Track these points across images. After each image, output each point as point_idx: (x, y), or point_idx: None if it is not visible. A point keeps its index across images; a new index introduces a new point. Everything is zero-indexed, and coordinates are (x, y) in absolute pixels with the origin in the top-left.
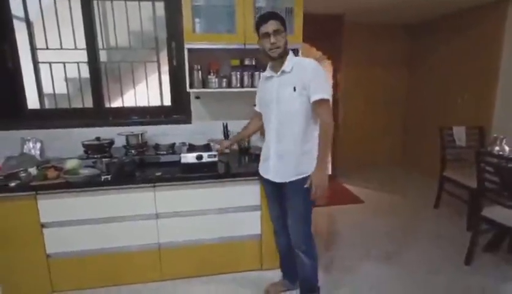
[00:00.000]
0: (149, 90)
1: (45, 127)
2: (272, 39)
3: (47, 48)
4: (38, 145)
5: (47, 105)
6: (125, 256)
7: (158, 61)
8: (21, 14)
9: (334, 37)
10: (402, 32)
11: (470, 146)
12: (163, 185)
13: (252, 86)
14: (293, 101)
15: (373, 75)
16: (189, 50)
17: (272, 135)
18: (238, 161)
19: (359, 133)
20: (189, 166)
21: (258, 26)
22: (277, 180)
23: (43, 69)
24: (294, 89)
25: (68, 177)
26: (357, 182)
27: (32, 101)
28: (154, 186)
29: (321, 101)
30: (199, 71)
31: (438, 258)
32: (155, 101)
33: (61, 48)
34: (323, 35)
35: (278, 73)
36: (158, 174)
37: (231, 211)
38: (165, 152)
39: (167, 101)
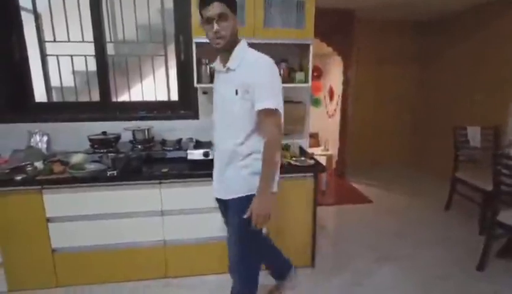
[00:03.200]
0: (156, 84)
1: (52, 120)
2: (216, 26)
3: (54, 41)
4: (45, 138)
5: (54, 98)
6: (130, 252)
7: (165, 55)
8: (29, 6)
9: (344, 33)
10: (414, 29)
11: (485, 147)
12: (169, 182)
13: None
14: (234, 105)
15: (383, 72)
16: (197, 44)
17: (215, 141)
18: None
19: (368, 131)
20: (196, 163)
21: (200, 8)
22: (216, 195)
23: (51, 62)
24: (236, 92)
25: (74, 172)
26: (366, 181)
27: (40, 95)
28: (160, 183)
29: (266, 112)
30: (208, 66)
31: (449, 262)
32: (162, 96)
33: (68, 41)
34: (334, 30)
35: (225, 68)
36: (165, 170)
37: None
38: (171, 148)
39: (174, 96)
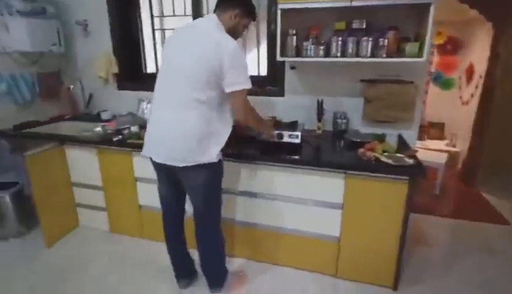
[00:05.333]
0: (247, 58)
1: None
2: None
3: (162, 16)
4: (149, 106)
5: None
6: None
7: (257, 27)
8: None
9: None
10: None
11: None
12: (235, 161)
13: (357, 55)
14: None
15: None
16: (285, 11)
17: None
18: (328, 146)
19: None
20: (268, 145)
21: (252, 17)
22: None
23: (157, 36)
24: None
25: None
26: (506, 195)
27: (151, 67)
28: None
29: None
30: (294, 37)
31: None
32: (253, 71)
33: (173, 15)
34: None
35: None
36: (233, 150)
37: (309, 204)
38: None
39: (264, 71)
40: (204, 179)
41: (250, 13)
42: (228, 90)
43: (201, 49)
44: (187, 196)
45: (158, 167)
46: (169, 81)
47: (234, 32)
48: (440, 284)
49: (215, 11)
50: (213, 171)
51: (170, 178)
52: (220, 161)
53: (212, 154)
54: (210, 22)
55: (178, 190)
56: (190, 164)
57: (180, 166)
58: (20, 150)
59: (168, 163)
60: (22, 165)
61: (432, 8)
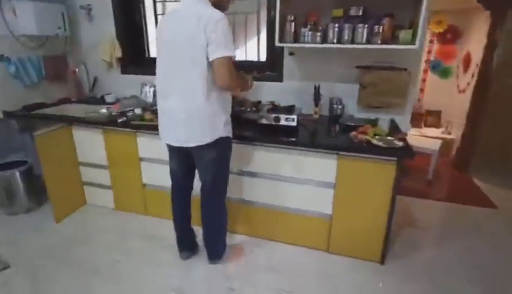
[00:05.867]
0: (247, 45)
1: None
2: None
3: (165, 0)
4: (152, 89)
5: None
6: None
7: (257, 12)
8: None
9: None
10: None
11: None
12: (236, 142)
13: (353, 42)
14: None
15: None
16: None
17: None
18: (324, 130)
19: None
20: (266, 127)
21: None
22: None
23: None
24: None
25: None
26: (495, 181)
27: (154, 51)
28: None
29: None
30: (292, 23)
31: None
32: (252, 56)
33: (175, 0)
34: None
35: None
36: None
37: (304, 183)
38: (248, 109)
39: (264, 58)
40: (216, 155)
41: None
42: (211, 58)
43: (188, 29)
44: (196, 172)
45: (172, 148)
46: (167, 67)
47: (220, 5)
48: (426, 260)
49: None
50: (223, 147)
51: (181, 156)
52: (228, 137)
53: (221, 131)
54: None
55: (188, 165)
56: (201, 143)
57: (193, 146)
58: (29, 131)
59: (182, 145)
60: (31, 144)
61: None
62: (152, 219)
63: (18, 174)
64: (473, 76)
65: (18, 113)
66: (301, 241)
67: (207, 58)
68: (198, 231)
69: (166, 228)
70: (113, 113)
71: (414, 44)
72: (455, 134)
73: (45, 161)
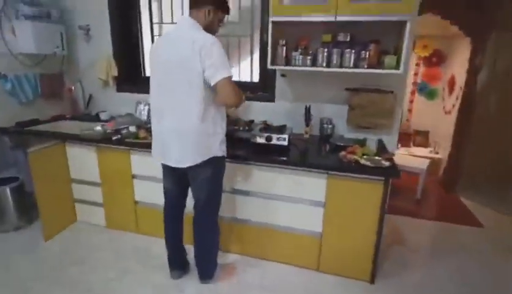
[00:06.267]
0: (241, 66)
1: None
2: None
3: (162, 22)
4: (147, 108)
5: None
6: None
7: (251, 36)
8: None
9: (476, 7)
10: None
11: None
12: (228, 161)
13: (341, 65)
14: None
15: None
16: (275, 23)
17: None
18: (314, 149)
19: (498, 136)
20: (258, 146)
21: (227, 12)
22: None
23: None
24: None
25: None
26: (481, 200)
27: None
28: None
29: None
30: (284, 47)
31: None
32: (246, 77)
33: (172, 22)
34: (460, 3)
35: None
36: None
37: (295, 202)
38: (241, 128)
39: (257, 78)
40: (210, 174)
41: (223, 7)
42: (213, 82)
43: (182, 52)
44: (189, 190)
45: (166, 167)
46: (162, 89)
47: (211, 28)
48: (416, 279)
49: (190, 12)
50: (218, 165)
51: (176, 175)
52: (223, 156)
53: (216, 150)
54: (185, 24)
55: (182, 184)
56: (197, 162)
57: (187, 166)
58: (22, 147)
59: (178, 165)
60: (23, 161)
61: (408, 25)
62: (143, 237)
63: (8, 190)
64: (457, 98)
65: (11, 129)
66: (293, 260)
67: (205, 81)
68: (190, 249)
69: (158, 246)
70: (108, 131)
71: (398, 69)
72: (443, 154)
73: (37, 178)
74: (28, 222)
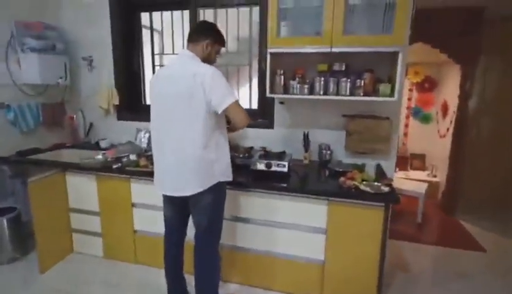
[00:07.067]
0: (240, 93)
1: None
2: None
3: (163, 53)
4: (147, 135)
5: None
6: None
7: (250, 65)
8: (147, 23)
9: (466, 37)
10: None
11: None
12: (228, 188)
13: (338, 93)
14: None
15: None
16: (273, 54)
17: None
18: (314, 175)
19: (496, 158)
20: (258, 173)
21: (223, 45)
22: None
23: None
24: None
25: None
26: (483, 224)
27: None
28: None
29: None
30: (282, 76)
31: None
32: (245, 105)
33: (173, 53)
34: (451, 34)
35: None
36: None
37: (296, 229)
38: (241, 155)
39: (255, 106)
40: (211, 200)
41: (220, 40)
42: (220, 110)
43: (183, 84)
44: (190, 219)
45: (167, 196)
46: (163, 121)
47: (209, 60)
48: None
49: (188, 45)
50: (219, 191)
51: (177, 204)
52: (224, 182)
53: (220, 175)
54: (184, 57)
55: (183, 213)
56: (199, 190)
57: (189, 195)
58: (21, 176)
59: (180, 194)
60: (22, 190)
61: (400, 55)
62: (142, 267)
63: (5, 221)
64: (451, 122)
65: (12, 158)
66: (295, 289)
67: (209, 110)
68: (190, 279)
69: (157, 277)
70: (108, 159)
71: (393, 96)
72: (440, 177)
73: (36, 208)
74: (23, 253)
